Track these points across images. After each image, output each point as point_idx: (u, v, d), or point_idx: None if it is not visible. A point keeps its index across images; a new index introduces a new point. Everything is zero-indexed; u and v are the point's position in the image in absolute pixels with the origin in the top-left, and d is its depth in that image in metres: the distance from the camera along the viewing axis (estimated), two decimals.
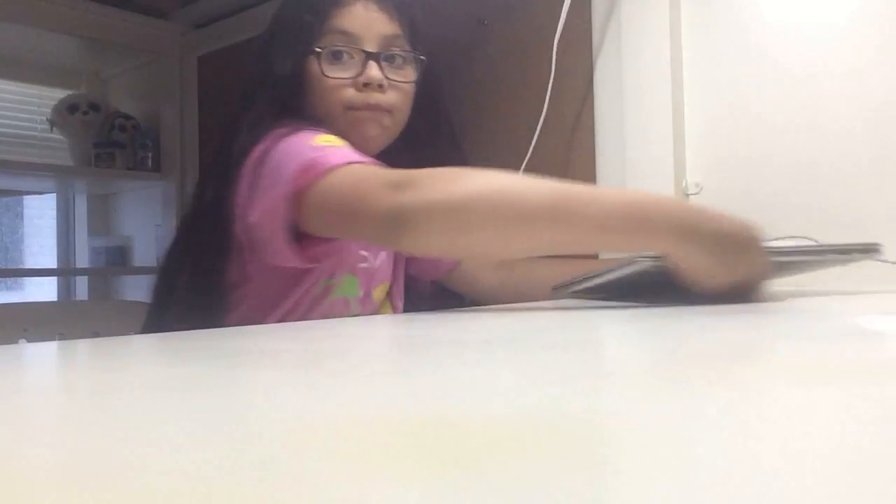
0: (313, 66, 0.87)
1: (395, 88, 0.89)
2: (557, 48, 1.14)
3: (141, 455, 0.17)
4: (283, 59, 0.87)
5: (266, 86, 0.88)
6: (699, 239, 0.61)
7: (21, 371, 0.37)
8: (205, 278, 0.84)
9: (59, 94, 2.12)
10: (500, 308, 0.73)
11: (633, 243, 0.63)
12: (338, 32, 0.87)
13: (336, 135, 0.86)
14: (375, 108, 0.88)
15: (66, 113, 2.02)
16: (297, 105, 0.88)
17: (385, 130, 0.90)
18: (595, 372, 0.29)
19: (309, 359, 0.38)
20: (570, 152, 1.17)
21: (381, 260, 0.92)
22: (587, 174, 1.15)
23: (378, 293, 0.93)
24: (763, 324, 0.49)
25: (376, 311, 0.93)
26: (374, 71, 0.87)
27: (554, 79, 1.18)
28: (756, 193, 1.01)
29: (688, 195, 1.08)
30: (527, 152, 1.18)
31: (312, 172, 0.71)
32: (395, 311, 0.96)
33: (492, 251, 0.75)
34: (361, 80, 0.86)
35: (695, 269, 0.61)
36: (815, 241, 0.77)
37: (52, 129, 2.07)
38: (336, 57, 0.87)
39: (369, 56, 0.87)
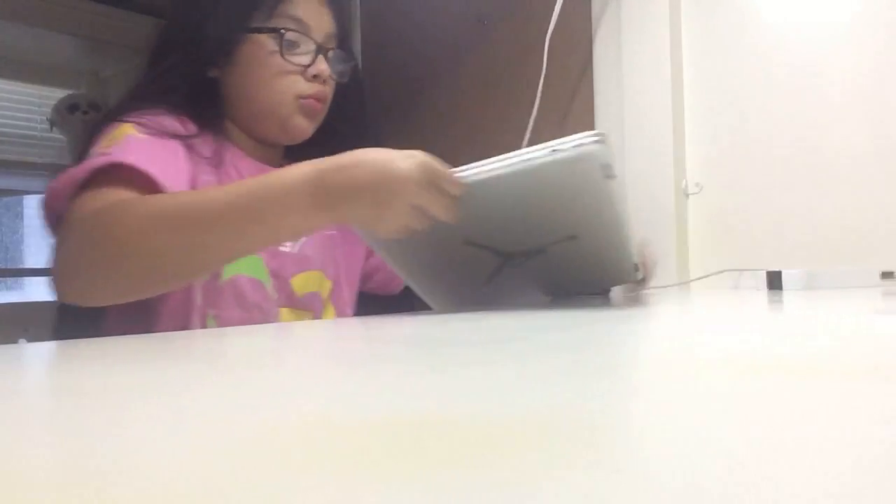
0: (262, 45, 0.85)
1: (329, 85, 0.89)
2: (549, 47, 1.14)
3: (138, 456, 0.17)
4: (221, 28, 0.84)
5: (181, 52, 0.85)
6: (356, 198, 0.61)
7: (21, 371, 0.37)
8: None
9: (59, 94, 2.12)
10: (499, 308, 0.73)
11: (311, 225, 0.65)
12: (290, 18, 0.85)
13: (275, 122, 0.86)
14: (322, 99, 0.88)
15: (66, 113, 2.02)
16: (220, 80, 0.86)
17: (317, 123, 0.90)
18: (595, 372, 0.29)
19: (307, 359, 0.38)
20: None
21: (303, 246, 0.90)
22: None
23: (301, 283, 0.89)
24: (763, 323, 0.49)
25: (298, 304, 0.89)
26: (323, 64, 0.87)
27: (554, 78, 1.18)
28: (756, 193, 1.01)
29: (688, 195, 1.08)
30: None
31: (69, 191, 0.68)
32: (341, 317, 0.94)
33: (180, 275, 0.68)
34: (311, 71, 0.86)
35: (365, 223, 0.62)
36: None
37: (52, 128, 2.07)
38: (292, 44, 0.85)
39: (320, 49, 0.87)
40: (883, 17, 0.91)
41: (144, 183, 0.68)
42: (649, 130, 1.07)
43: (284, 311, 0.88)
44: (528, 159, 0.60)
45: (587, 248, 0.71)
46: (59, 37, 1.92)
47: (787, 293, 0.83)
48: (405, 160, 0.61)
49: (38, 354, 0.45)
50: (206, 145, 0.84)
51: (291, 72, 0.85)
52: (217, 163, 0.84)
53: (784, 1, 0.99)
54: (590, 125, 1.15)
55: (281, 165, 0.93)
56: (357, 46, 1.52)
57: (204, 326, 0.82)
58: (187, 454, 0.17)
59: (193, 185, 0.79)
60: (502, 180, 0.62)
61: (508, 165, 0.62)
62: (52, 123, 2.04)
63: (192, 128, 0.82)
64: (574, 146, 0.58)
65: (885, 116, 0.91)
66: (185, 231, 0.62)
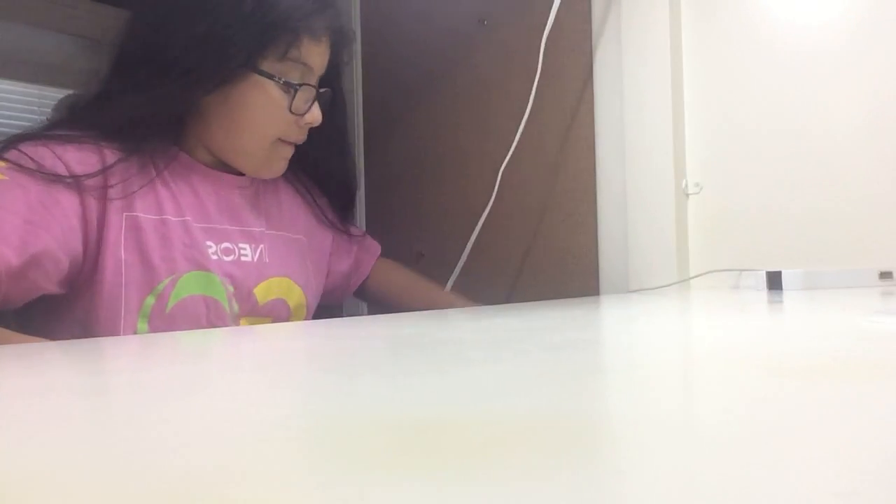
0: (265, 89, 0.80)
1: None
2: (547, 48, 1.14)
3: (140, 455, 0.17)
4: (225, 62, 0.78)
5: (169, 77, 0.78)
6: None
7: (21, 371, 0.37)
8: None
9: (59, 94, 2.12)
10: (499, 308, 0.73)
11: None
12: (300, 63, 0.81)
13: (251, 162, 0.84)
14: (302, 139, 0.87)
15: (66, 113, 2.02)
16: (194, 109, 0.81)
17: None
18: (594, 372, 0.29)
19: (309, 358, 0.38)
20: (570, 152, 1.17)
21: (261, 255, 0.88)
22: (587, 174, 1.15)
23: (264, 291, 0.87)
24: (765, 324, 0.49)
25: (259, 312, 0.87)
26: (318, 112, 0.85)
27: (553, 79, 1.18)
28: (756, 193, 1.01)
29: (688, 195, 1.08)
30: (507, 152, 1.18)
31: None
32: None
33: None
34: (307, 118, 0.84)
35: None
36: None
37: None
38: (293, 90, 0.82)
39: (317, 96, 0.84)
40: (884, 19, 0.91)
41: None
42: (649, 130, 1.07)
43: (244, 321, 0.85)
44: None
45: None
46: (59, 37, 1.92)
47: (787, 293, 0.83)
48: None
49: (41, 354, 0.46)
50: (124, 172, 0.78)
51: (285, 119, 0.83)
52: (144, 182, 0.79)
53: (784, 1, 0.99)
54: (590, 125, 1.15)
55: (241, 174, 0.89)
56: (357, 46, 1.52)
57: None
58: (190, 454, 0.17)
59: (84, 222, 0.74)
60: None
61: None
62: None
63: (94, 162, 0.76)
64: None
65: (886, 117, 0.91)
66: None
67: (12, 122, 2.14)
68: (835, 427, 0.19)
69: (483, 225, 1.26)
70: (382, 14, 1.48)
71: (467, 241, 1.24)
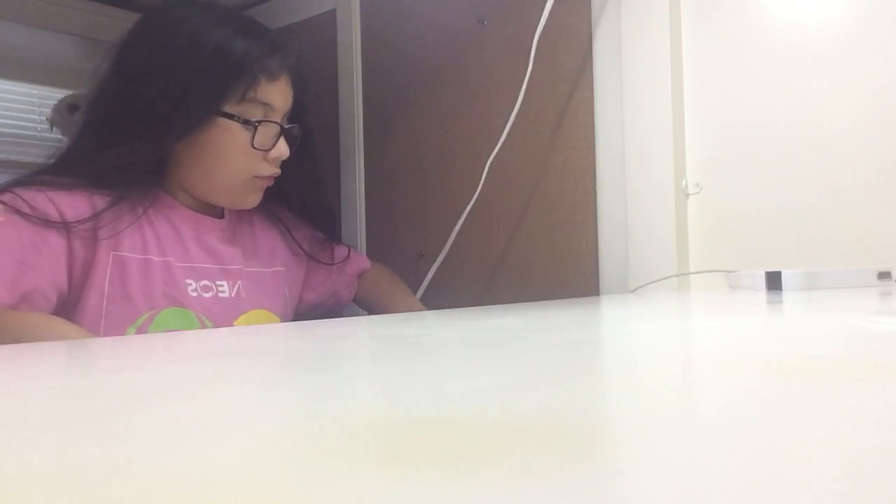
0: (228, 129, 0.86)
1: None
2: (541, 48, 1.14)
3: (139, 456, 0.18)
4: (191, 111, 0.84)
5: (141, 129, 0.84)
6: None
7: (22, 371, 0.37)
8: None
9: (59, 94, 2.12)
10: (499, 308, 0.73)
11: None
12: (261, 103, 0.87)
13: (227, 196, 0.89)
14: (275, 175, 0.91)
15: (67, 113, 2.02)
16: (167, 150, 0.86)
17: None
18: (594, 372, 0.29)
19: (308, 358, 0.38)
20: (570, 152, 1.17)
21: (238, 291, 0.93)
22: (587, 174, 1.15)
23: (244, 323, 0.92)
24: (764, 324, 0.50)
25: None
26: (284, 147, 0.89)
27: (548, 78, 1.18)
28: (756, 193, 1.01)
29: (688, 195, 1.08)
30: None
31: None
32: None
33: None
34: (273, 154, 0.89)
35: None
36: None
37: (52, 128, 2.07)
38: (253, 127, 0.87)
39: (282, 131, 0.89)
40: (883, 18, 0.91)
41: None
42: (649, 130, 1.07)
43: None
44: None
45: None
46: (59, 37, 1.92)
47: (787, 293, 0.83)
48: None
49: (42, 354, 0.46)
50: (113, 214, 0.82)
51: (253, 156, 0.87)
52: (131, 221, 0.84)
53: (784, 1, 0.99)
54: (590, 125, 1.15)
55: (221, 216, 0.95)
56: (357, 46, 1.52)
57: None
58: (188, 454, 0.17)
59: (71, 259, 0.79)
60: None
61: None
62: (52, 123, 2.04)
63: (85, 206, 0.80)
64: None
65: (885, 117, 0.91)
66: None
67: (12, 122, 2.14)
68: (834, 427, 0.19)
69: (483, 225, 1.26)
70: (382, 14, 1.48)
71: (467, 241, 1.24)
